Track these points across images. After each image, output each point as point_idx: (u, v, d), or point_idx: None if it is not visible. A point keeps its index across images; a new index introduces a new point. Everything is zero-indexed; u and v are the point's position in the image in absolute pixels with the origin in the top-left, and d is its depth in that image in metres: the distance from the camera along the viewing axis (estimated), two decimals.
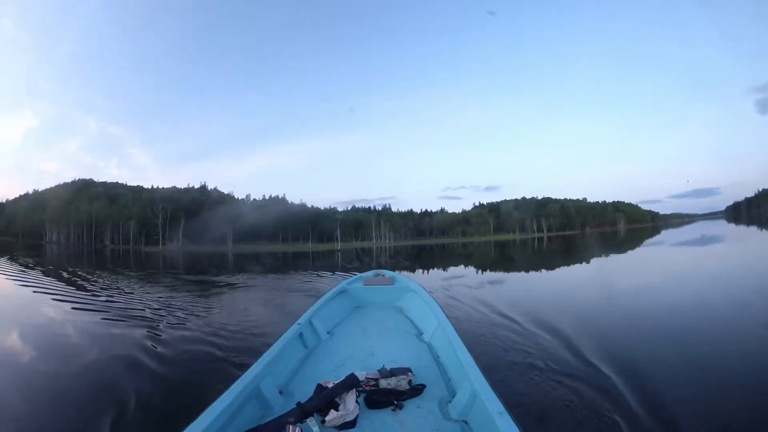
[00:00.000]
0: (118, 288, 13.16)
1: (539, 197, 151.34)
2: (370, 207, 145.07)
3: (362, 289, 5.84)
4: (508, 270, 22.01)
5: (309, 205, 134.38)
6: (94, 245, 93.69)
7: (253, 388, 2.53)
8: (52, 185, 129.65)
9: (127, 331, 6.90)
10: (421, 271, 21.71)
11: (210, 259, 42.86)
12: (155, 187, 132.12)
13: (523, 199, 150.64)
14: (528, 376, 4.60)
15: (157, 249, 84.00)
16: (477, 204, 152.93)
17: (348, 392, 2.41)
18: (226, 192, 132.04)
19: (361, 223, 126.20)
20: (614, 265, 21.85)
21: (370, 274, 6.49)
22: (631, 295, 10.41)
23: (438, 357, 3.38)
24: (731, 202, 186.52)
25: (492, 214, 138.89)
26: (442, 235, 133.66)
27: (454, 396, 2.60)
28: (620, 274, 17.04)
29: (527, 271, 21.21)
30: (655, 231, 75.53)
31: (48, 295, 11.04)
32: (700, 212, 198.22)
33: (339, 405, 2.34)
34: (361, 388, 2.58)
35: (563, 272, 19.41)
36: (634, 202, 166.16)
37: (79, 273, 18.70)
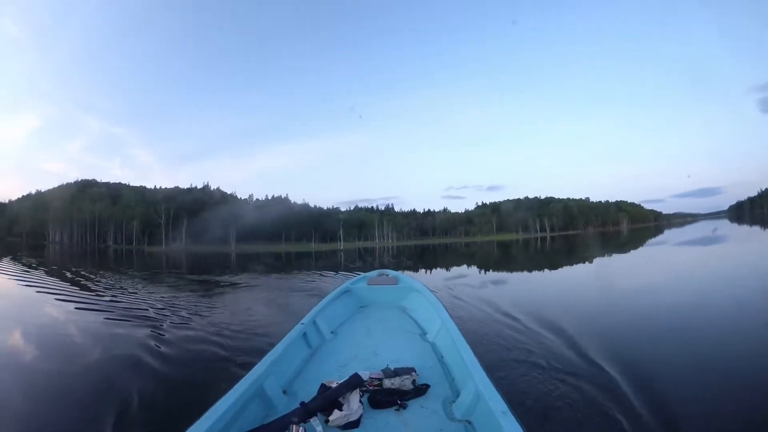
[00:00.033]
0: (121, 288, 13.17)
1: (542, 197, 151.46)
2: (373, 207, 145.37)
3: (366, 288, 5.83)
4: (510, 270, 21.96)
5: (312, 205, 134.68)
6: (97, 245, 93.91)
7: (256, 387, 2.53)
8: (55, 185, 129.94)
9: (131, 331, 6.90)
10: (424, 271, 21.67)
11: (213, 259, 42.94)
12: (158, 187, 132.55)
13: (526, 198, 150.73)
14: (531, 375, 4.58)
15: (160, 249, 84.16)
16: (480, 204, 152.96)
17: (352, 392, 2.41)
18: (228, 192, 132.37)
19: (363, 222, 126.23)
20: (617, 264, 21.82)
21: (374, 273, 6.48)
22: (633, 294, 10.38)
23: (442, 357, 3.37)
24: (734, 202, 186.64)
25: (495, 214, 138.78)
26: (445, 234, 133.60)
27: (458, 396, 2.59)
28: (623, 274, 17.00)
29: (530, 270, 21.16)
30: (658, 231, 75.33)
31: (51, 295, 11.05)
32: (703, 212, 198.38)
33: (343, 405, 2.34)
34: (364, 388, 2.58)
35: (566, 272, 19.38)
36: (636, 201, 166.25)
37: (82, 273, 18.73)
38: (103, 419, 3.71)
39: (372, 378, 2.70)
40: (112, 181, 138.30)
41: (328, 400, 2.32)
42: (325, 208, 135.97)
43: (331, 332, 4.21)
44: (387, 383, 2.68)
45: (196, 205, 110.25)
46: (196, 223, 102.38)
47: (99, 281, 15.17)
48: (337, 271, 19.49)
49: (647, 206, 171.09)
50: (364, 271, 6.84)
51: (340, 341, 4.02)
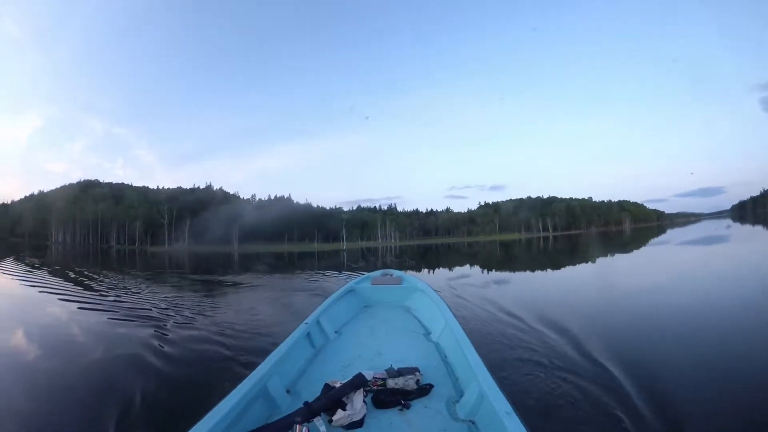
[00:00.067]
0: (124, 288, 13.19)
1: (544, 196, 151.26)
2: (375, 207, 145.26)
3: (370, 288, 5.82)
4: (513, 270, 21.94)
5: (314, 204, 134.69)
6: (99, 246, 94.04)
7: (260, 387, 2.52)
8: (58, 186, 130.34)
9: (134, 331, 6.91)
10: (426, 270, 21.66)
11: (216, 259, 42.97)
12: (161, 187, 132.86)
13: (529, 198, 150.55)
14: (534, 374, 4.58)
15: (162, 249, 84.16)
16: (482, 203, 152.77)
17: (355, 392, 2.41)
18: (231, 192, 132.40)
19: (366, 222, 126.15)
20: (619, 265, 21.77)
21: (377, 273, 6.47)
22: (636, 294, 10.36)
23: (446, 357, 3.37)
24: (737, 201, 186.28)
25: (497, 214, 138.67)
26: (448, 234, 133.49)
27: (461, 396, 2.59)
28: (625, 274, 16.96)
29: (533, 270, 21.13)
30: (661, 230, 75.21)
31: (54, 295, 11.08)
32: (706, 211, 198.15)
33: (346, 405, 2.34)
34: (368, 388, 2.58)
35: (569, 272, 19.35)
36: (639, 201, 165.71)
37: (85, 273, 18.79)
38: (106, 418, 3.71)
39: (376, 378, 2.70)
40: (114, 181, 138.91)
41: (332, 400, 2.33)
42: (327, 208, 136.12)
43: (335, 332, 4.21)
44: (391, 383, 2.68)
45: (198, 206, 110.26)
46: (199, 223, 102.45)
47: (102, 281, 15.20)
48: (340, 271, 19.51)
49: (650, 206, 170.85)
50: (367, 271, 6.83)
51: (344, 341, 4.02)
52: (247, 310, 8.95)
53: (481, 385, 2.37)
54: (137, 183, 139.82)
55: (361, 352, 3.57)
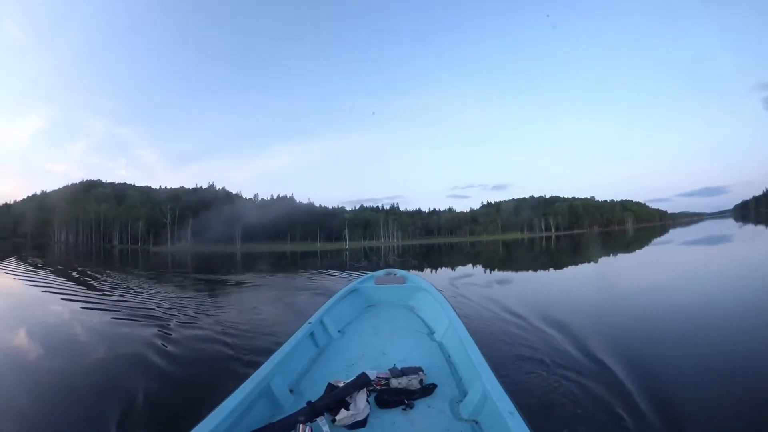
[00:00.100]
0: (127, 287, 13.21)
1: (547, 196, 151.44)
2: (378, 206, 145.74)
3: (373, 288, 5.81)
4: (516, 269, 21.94)
5: (317, 204, 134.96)
6: (102, 245, 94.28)
7: (263, 386, 2.52)
8: (60, 186, 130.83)
9: (138, 330, 6.92)
10: (429, 270, 21.64)
11: (218, 258, 43.04)
12: (163, 187, 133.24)
13: (531, 197, 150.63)
14: (536, 372, 4.59)
15: (165, 249, 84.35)
16: (485, 203, 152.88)
17: (359, 391, 2.40)
18: (233, 192, 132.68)
19: (369, 222, 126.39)
20: (622, 264, 21.75)
21: (381, 273, 6.45)
22: (638, 294, 10.33)
23: (449, 356, 3.36)
24: (739, 201, 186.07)
25: (499, 214, 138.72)
26: (450, 234, 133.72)
27: (465, 396, 2.58)
28: (628, 274, 16.94)
29: (535, 270, 21.11)
30: (663, 230, 75.00)
31: (57, 295, 11.10)
32: (708, 211, 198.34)
33: (349, 404, 2.32)
34: (372, 388, 2.56)
35: (571, 272, 19.32)
36: (641, 200, 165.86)
37: (88, 273, 18.81)
38: (110, 418, 3.72)
39: (379, 377, 2.69)
40: (117, 181, 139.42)
41: (335, 399, 2.32)
42: (330, 207, 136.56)
43: (339, 331, 4.20)
44: (394, 383, 2.67)
45: (201, 205, 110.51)
46: (202, 222, 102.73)
47: (105, 281, 15.22)
48: (343, 271, 19.54)
49: (652, 205, 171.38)
50: (370, 271, 6.82)
51: (348, 340, 4.01)
52: (250, 309, 8.96)
53: (484, 384, 2.36)
54: (139, 183, 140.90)
55: (364, 352, 3.57)
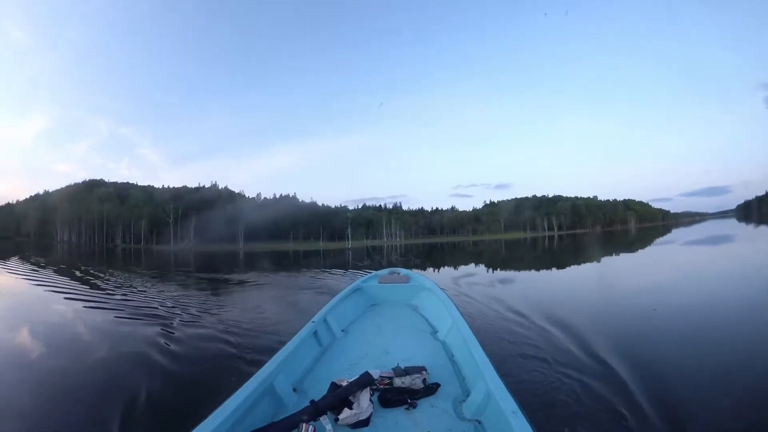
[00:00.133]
0: (131, 286, 13.21)
1: (550, 195, 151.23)
2: (380, 205, 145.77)
3: (377, 287, 5.81)
4: (518, 269, 21.87)
5: (319, 203, 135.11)
6: (105, 245, 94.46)
7: (267, 385, 2.52)
8: (63, 186, 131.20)
9: (141, 329, 6.92)
10: (432, 269, 21.62)
11: (221, 257, 43.05)
12: (165, 186, 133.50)
13: (534, 196, 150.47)
14: (539, 371, 4.58)
15: (168, 248, 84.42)
16: (487, 202, 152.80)
17: (362, 391, 2.41)
18: (236, 191, 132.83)
19: (371, 221, 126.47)
20: (625, 264, 21.71)
21: (385, 272, 6.44)
22: (641, 294, 10.29)
23: (452, 356, 3.36)
24: (742, 201, 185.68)
25: (502, 213, 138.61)
26: (453, 233, 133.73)
27: (468, 395, 2.58)
28: (631, 274, 16.89)
29: (537, 270, 21.05)
30: (666, 230, 74.85)
31: (60, 294, 11.11)
32: (711, 211, 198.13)
33: (353, 403, 2.33)
34: (375, 387, 2.57)
35: (574, 271, 19.27)
36: (644, 200, 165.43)
37: (91, 272, 18.85)
38: (112, 417, 3.72)
39: (382, 377, 2.69)
40: (119, 180, 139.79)
41: (339, 398, 2.32)
42: (332, 206, 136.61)
43: (342, 330, 4.21)
44: (397, 382, 2.67)
45: (203, 204, 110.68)
46: (204, 221, 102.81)
47: (108, 280, 15.24)
48: (345, 270, 19.52)
49: (655, 205, 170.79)
50: (372, 270, 6.83)
51: (351, 340, 4.01)
52: (253, 308, 8.97)
53: (487, 384, 2.36)
54: (142, 182, 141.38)
55: (368, 351, 3.57)
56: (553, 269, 20.87)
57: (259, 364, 2.71)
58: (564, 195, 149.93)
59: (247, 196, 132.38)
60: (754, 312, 7.49)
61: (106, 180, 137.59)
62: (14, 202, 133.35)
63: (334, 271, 18.97)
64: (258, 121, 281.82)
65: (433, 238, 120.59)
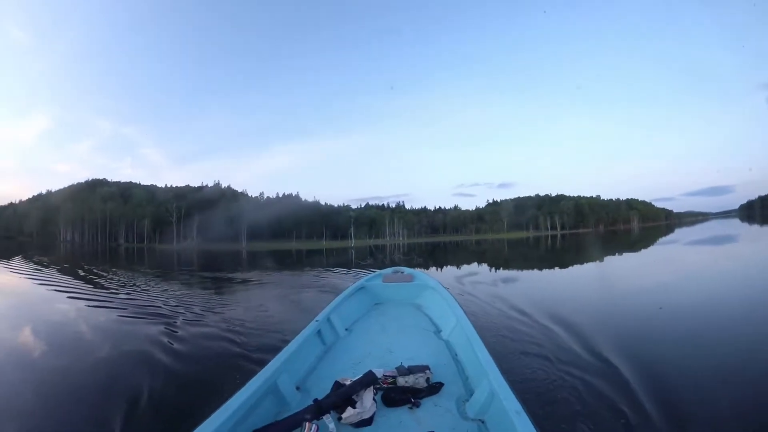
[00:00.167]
0: (134, 285, 13.22)
1: (552, 194, 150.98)
2: (383, 204, 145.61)
3: (381, 286, 5.81)
4: (521, 268, 21.83)
5: (322, 202, 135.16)
6: (108, 244, 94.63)
7: (270, 384, 2.52)
8: (66, 186, 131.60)
9: (144, 328, 6.93)
10: (435, 268, 21.60)
11: (224, 256, 43.13)
12: (168, 185, 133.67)
13: (537, 196, 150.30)
14: (541, 370, 4.58)
15: (171, 247, 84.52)
16: (490, 201, 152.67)
17: (365, 390, 2.40)
18: (239, 190, 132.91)
19: (374, 220, 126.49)
20: (628, 264, 21.71)
21: (389, 271, 6.44)
22: (644, 293, 10.29)
23: (456, 355, 3.35)
24: (745, 201, 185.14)
25: (505, 212, 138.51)
26: (456, 232, 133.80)
27: (471, 395, 2.57)
28: (634, 274, 16.87)
29: (540, 269, 21.01)
30: (669, 229, 74.74)
31: (63, 293, 11.12)
32: (714, 210, 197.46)
33: (356, 402, 2.33)
34: (378, 386, 2.56)
35: (577, 271, 19.26)
36: (647, 199, 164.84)
37: (94, 271, 18.89)
38: (115, 415, 3.72)
39: (386, 376, 2.69)
40: (122, 180, 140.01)
41: (342, 397, 2.32)
42: (335, 205, 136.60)
43: (346, 329, 4.21)
44: (401, 381, 2.66)
45: (206, 204, 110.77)
46: (207, 221, 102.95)
47: (111, 279, 15.27)
48: (349, 268, 19.53)
49: (658, 204, 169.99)
50: (375, 268, 6.83)
51: (355, 338, 4.00)
52: (257, 306, 8.97)
53: (491, 383, 2.35)
54: (145, 181, 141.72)
55: (371, 350, 3.56)
56: (556, 268, 20.88)
57: (263, 363, 2.71)
58: (567, 194, 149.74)
59: (249, 195, 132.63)
60: (756, 312, 7.48)
61: (109, 179, 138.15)
62: (17, 201, 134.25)
63: (337, 269, 18.95)
64: (258, 120, 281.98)
65: (436, 238, 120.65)
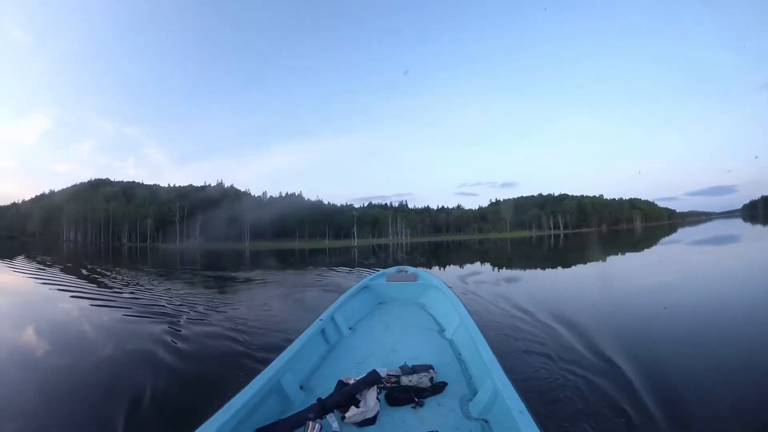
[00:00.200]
0: (137, 284, 13.23)
1: (555, 194, 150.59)
2: (386, 203, 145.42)
3: (385, 285, 5.82)
4: (524, 268, 21.77)
5: (325, 202, 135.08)
6: (111, 243, 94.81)
7: (274, 383, 2.53)
8: (69, 185, 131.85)
9: (147, 327, 6.93)
10: (438, 267, 21.57)
11: (227, 256, 43.17)
12: (171, 185, 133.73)
13: (540, 195, 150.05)
14: (544, 369, 4.58)
15: (174, 246, 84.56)
16: (493, 200, 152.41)
17: (369, 389, 2.40)
18: (242, 189, 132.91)
19: (377, 219, 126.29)
20: (631, 263, 21.61)
21: (392, 270, 6.44)
22: (647, 293, 10.26)
23: (460, 354, 3.35)
24: (748, 201, 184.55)
25: (508, 211, 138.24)
26: (459, 231, 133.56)
27: (475, 394, 2.57)
28: (637, 273, 16.82)
29: (543, 269, 20.96)
30: (672, 229, 74.50)
31: (66, 292, 11.14)
32: (717, 210, 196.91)
33: (360, 401, 2.33)
34: (382, 385, 2.56)
35: (580, 270, 19.20)
36: (650, 199, 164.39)
37: (97, 270, 18.89)
38: (118, 414, 3.73)
39: (389, 375, 2.69)
40: (125, 179, 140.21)
41: (345, 396, 2.32)
42: (338, 205, 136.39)
43: (350, 328, 4.21)
44: (404, 380, 2.67)
45: (209, 203, 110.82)
46: (210, 220, 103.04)
47: (115, 278, 15.28)
48: (352, 268, 19.51)
49: (661, 204, 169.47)
50: (379, 267, 6.83)
51: (358, 337, 4.01)
52: (260, 306, 8.97)
53: (495, 383, 2.35)
54: (148, 181, 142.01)
55: (375, 349, 3.56)
56: (559, 268, 20.82)
57: (266, 362, 2.71)
58: (569, 193, 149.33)
59: (252, 194, 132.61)
60: (758, 312, 7.47)
61: (112, 179, 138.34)
62: (20, 201, 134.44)
63: (340, 268, 18.95)
64: (259, 120, 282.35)
65: (439, 237, 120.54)
